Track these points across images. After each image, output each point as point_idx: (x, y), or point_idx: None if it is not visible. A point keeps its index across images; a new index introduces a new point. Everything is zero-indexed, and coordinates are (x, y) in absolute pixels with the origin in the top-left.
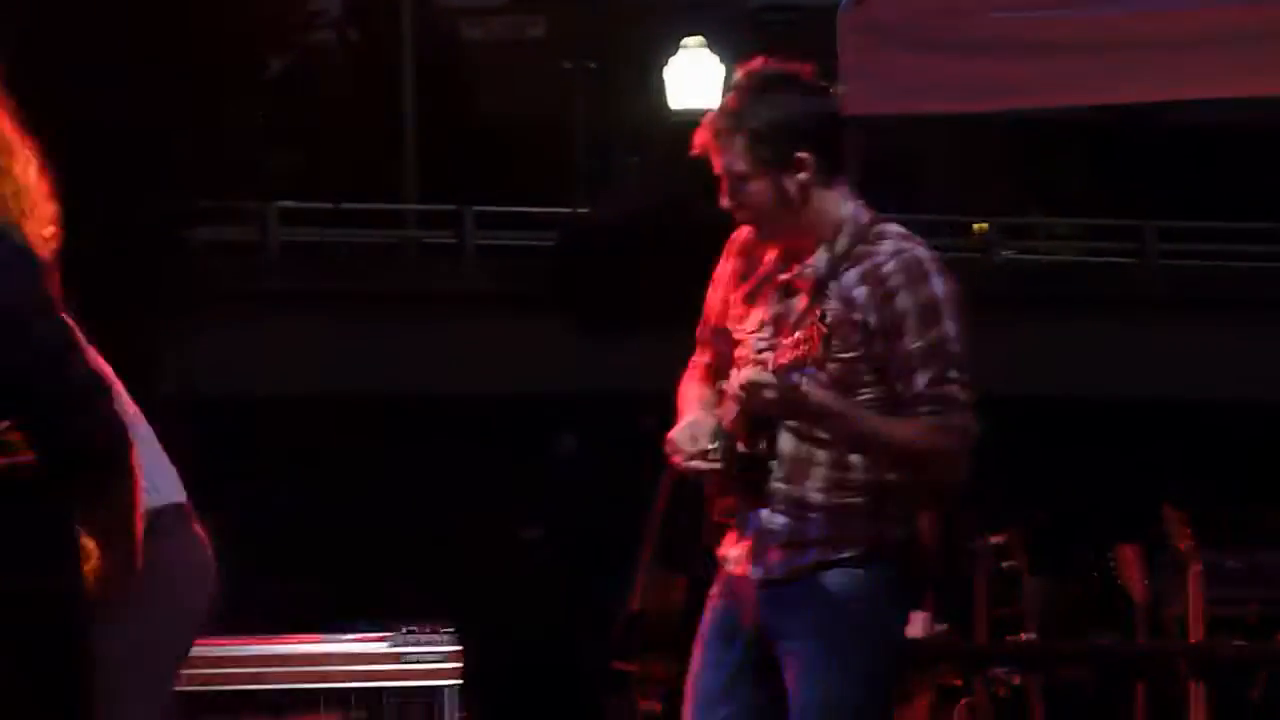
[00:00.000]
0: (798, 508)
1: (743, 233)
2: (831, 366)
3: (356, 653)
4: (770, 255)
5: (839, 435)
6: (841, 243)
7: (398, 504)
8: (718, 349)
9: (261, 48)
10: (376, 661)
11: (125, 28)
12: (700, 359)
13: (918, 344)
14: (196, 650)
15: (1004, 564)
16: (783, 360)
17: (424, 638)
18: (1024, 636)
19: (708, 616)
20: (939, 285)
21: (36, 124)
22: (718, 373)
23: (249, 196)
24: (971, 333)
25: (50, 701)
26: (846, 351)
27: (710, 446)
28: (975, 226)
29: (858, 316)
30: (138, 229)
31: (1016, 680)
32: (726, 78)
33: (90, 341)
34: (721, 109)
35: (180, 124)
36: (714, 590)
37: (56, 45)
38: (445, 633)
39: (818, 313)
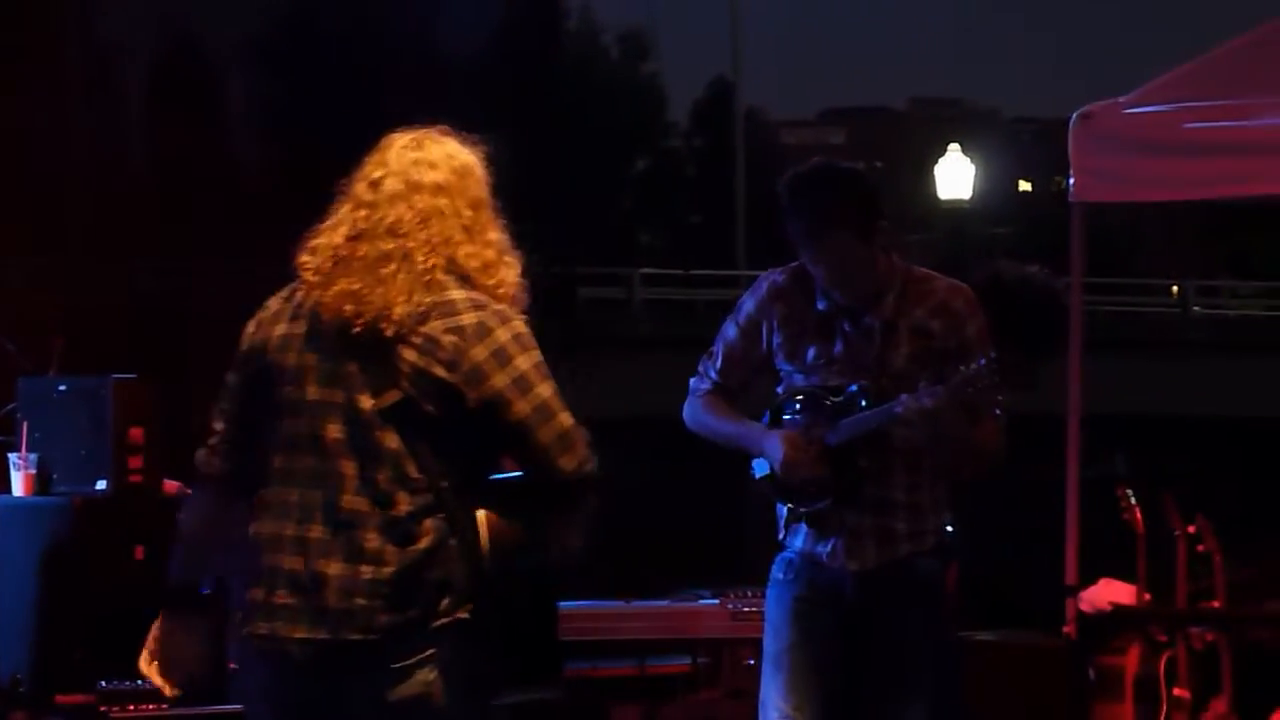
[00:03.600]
0: (886, 507)
1: (779, 283)
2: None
3: (700, 610)
4: (808, 300)
5: (956, 443)
6: (900, 288)
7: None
8: (738, 378)
9: (628, 150)
10: (717, 618)
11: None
12: (706, 384)
13: (983, 359)
14: (587, 606)
15: (1199, 547)
16: (942, 391)
17: (748, 600)
18: (1215, 604)
19: (789, 601)
20: (983, 313)
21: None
22: (733, 395)
23: (619, 264)
24: (1172, 370)
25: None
26: (923, 371)
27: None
28: (1174, 287)
29: (936, 344)
30: (538, 288)
31: (1210, 638)
32: (978, 175)
33: None
34: (831, 197)
35: (570, 208)
36: (784, 575)
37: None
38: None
39: (910, 347)
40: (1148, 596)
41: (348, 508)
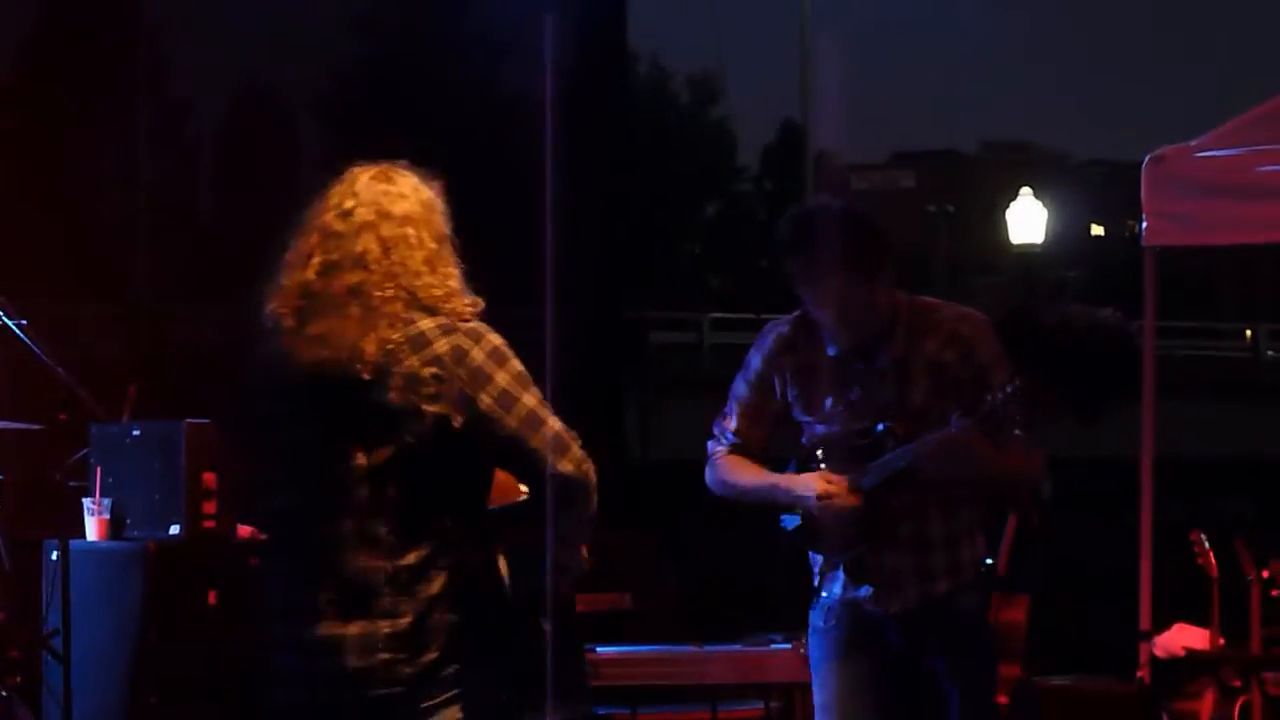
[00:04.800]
0: (923, 545)
1: (785, 334)
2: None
3: (773, 654)
4: (817, 348)
5: (985, 474)
6: (907, 323)
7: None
8: (756, 435)
9: (698, 194)
10: (789, 662)
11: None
12: (723, 446)
13: (1008, 387)
14: (660, 651)
15: (1272, 591)
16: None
17: None
18: None
19: (832, 649)
20: (996, 336)
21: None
22: (753, 455)
23: (690, 309)
24: (1244, 414)
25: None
26: (945, 404)
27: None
28: (1246, 331)
29: (952, 375)
30: (615, 332)
31: None
32: (1049, 219)
33: (581, 415)
34: (829, 241)
35: (640, 253)
36: (824, 623)
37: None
38: None
39: (927, 381)
40: (1221, 641)
41: (355, 566)
